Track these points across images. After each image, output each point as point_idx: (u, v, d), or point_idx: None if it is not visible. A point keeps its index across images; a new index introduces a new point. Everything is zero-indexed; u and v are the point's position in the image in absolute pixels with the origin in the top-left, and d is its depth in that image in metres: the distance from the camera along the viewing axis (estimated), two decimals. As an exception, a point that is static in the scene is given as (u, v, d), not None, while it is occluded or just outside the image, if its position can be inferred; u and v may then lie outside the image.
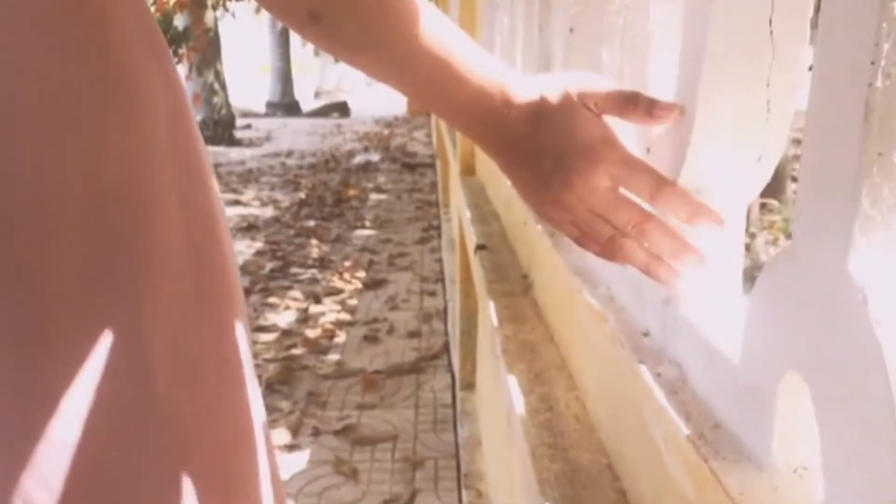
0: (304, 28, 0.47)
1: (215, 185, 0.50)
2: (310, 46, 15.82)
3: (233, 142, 8.45)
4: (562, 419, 0.68)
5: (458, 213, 2.25)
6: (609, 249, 0.50)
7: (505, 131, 0.50)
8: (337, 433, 2.10)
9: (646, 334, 0.59)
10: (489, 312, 0.99)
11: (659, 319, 0.57)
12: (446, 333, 2.83)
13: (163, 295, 0.42)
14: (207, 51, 8.16)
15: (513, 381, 0.75)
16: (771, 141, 0.49)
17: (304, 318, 3.00)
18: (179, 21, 7.89)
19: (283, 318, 3.01)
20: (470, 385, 2.28)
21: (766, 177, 0.52)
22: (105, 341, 0.40)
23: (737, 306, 0.53)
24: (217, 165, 6.87)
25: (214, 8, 8.12)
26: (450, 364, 2.58)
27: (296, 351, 2.68)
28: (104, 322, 0.40)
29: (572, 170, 0.47)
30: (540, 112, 0.49)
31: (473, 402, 2.20)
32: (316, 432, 2.11)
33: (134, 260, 0.41)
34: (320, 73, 17.13)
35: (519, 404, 0.70)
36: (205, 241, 0.46)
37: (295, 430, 2.12)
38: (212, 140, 8.29)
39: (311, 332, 2.85)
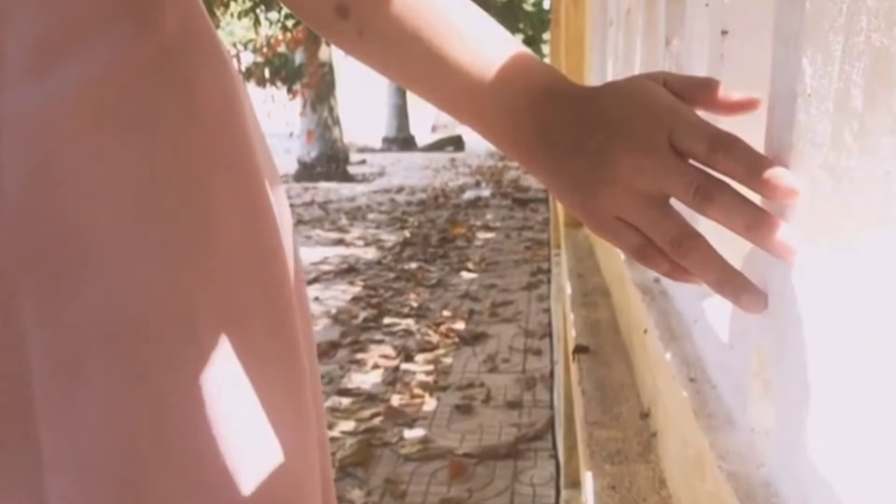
0: (331, 26, 0.46)
1: (273, 167, 0.50)
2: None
3: (346, 177, 8.42)
4: None
5: (562, 277, 1.87)
6: (678, 251, 0.40)
7: (549, 123, 0.44)
8: (412, 539, 1.76)
9: None
10: (584, 496, 0.61)
11: None
12: (552, 406, 2.42)
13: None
14: (321, 87, 8.21)
15: None
16: None
17: (392, 381, 2.69)
18: (298, 57, 8.02)
19: (370, 378, 2.71)
20: (576, 483, 1.86)
21: None
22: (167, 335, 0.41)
23: None
24: (327, 202, 6.80)
25: (328, 43, 8.18)
26: (554, 447, 2.17)
27: (377, 422, 2.36)
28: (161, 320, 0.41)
29: (633, 135, 0.41)
30: (599, 89, 0.44)
31: (580, 507, 1.79)
32: (388, 535, 1.78)
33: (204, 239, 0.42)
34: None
35: None
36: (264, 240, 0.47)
37: (364, 531, 1.80)
38: (325, 176, 8.29)
39: (398, 399, 2.53)
